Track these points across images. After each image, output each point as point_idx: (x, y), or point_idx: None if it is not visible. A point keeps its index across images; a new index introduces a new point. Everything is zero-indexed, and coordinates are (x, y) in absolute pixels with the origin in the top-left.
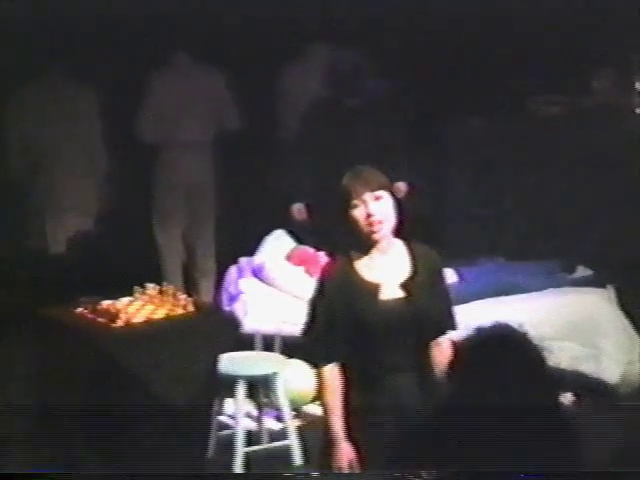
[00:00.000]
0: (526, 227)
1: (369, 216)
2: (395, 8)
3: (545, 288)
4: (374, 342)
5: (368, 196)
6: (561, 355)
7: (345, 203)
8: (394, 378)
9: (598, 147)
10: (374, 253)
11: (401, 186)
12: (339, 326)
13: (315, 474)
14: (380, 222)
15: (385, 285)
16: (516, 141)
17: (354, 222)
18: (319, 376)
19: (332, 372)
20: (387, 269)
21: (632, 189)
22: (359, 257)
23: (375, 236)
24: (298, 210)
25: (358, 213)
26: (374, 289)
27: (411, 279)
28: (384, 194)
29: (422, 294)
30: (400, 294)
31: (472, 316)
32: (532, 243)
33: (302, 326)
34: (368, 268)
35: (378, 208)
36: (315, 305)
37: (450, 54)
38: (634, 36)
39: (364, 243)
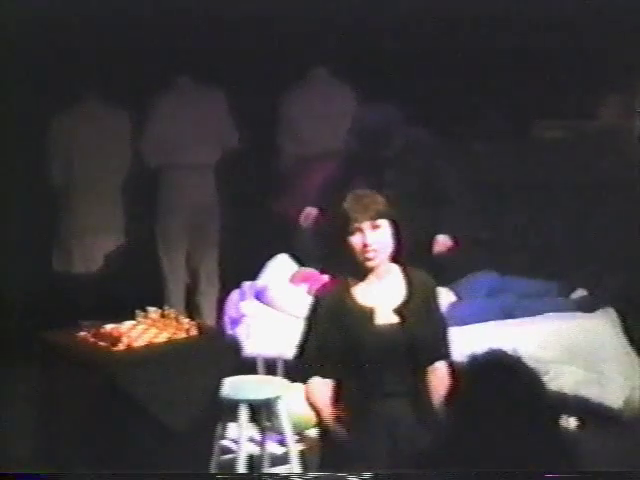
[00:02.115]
0: (528, 249)
1: (365, 245)
2: (396, 32)
3: (547, 311)
4: (368, 367)
5: (366, 225)
6: (564, 379)
7: (343, 228)
8: (388, 403)
9: (600, 171)
10: (370, 278)
11: (442, 240)
12: (331, 349)
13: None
14: (376, 251)
15: (380, 310)
16: (519, 165)
17: (350, 248)
18: (306, 388)
19: (319, 383)
20: (382, 294)
21: (634, 212)
22: (355, 281)
23: (369, 264)
24: (306, 214)
25: (355, 240)
26: (369, 313)
27: (406, 304)
28: (383, 222)
29: (417, 320)
30: (395, 319)
31: (473, 340)
32: (533, 265)
33: (295, 347)
34: (364, 292)
35: (375, 237)
36: (309, 327)
37: (454, 78)
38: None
39: (360, 268)
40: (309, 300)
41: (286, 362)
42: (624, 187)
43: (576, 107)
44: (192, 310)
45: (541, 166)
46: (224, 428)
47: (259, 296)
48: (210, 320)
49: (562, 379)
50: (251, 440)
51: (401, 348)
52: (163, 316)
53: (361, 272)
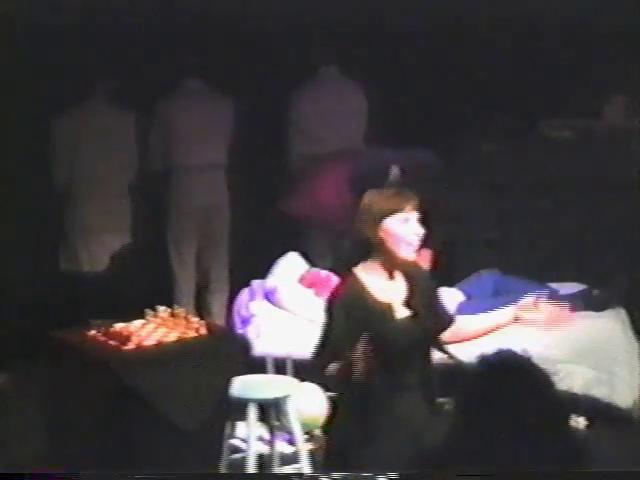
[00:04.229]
0: (538, 250)
1: (415, 234)
2: (406, 31)
3: None
4: (390, 361)
5: (413, 214)
6: (574, 379)
7: (383, 214)
8: (407, 397)
9: (610, 170)
10: (383, 273)
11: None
12: (350, 347)
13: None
14: (418, 241)
15: (396, 304)
16: (528, 164)
17: (386, 236)
18: None
19: None
20: (392, 288)
21: None
22: (369, 278)
23: (409, 253)
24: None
25: (401, 228)
26: (388, 309)
27: (411, 297)
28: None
29: (424, 311)
30: (407, 312)
31: (482, 340)
32: (544, 266)
33: (314, 349)
34: (378, 288)
35: (421, 230)
36: (327, 328)
37: (463, 78)
38: None
39: (389, 259)
40: (320, 303)
41: (295, 362)
42: (634, 186)
43: (585, 106)
44: (202, 309)
45: (550, 165)
46: (233, 427)
47: (268, 296)
48: (220, 319)
49: (572, 379)
50: (260, 439)
51: (419, 340)
52: (173, 315)
53: (388, 263)
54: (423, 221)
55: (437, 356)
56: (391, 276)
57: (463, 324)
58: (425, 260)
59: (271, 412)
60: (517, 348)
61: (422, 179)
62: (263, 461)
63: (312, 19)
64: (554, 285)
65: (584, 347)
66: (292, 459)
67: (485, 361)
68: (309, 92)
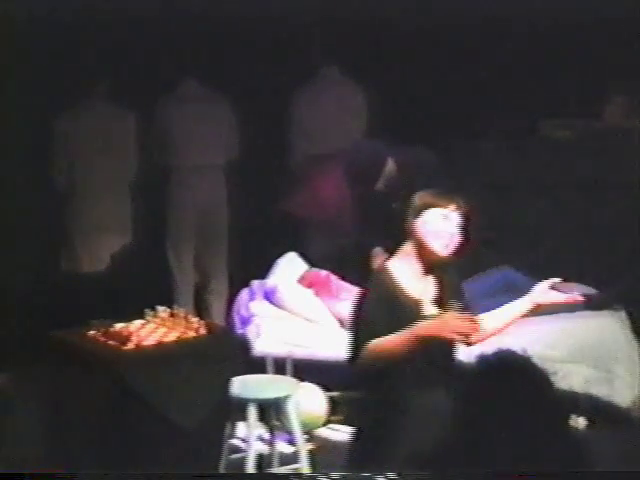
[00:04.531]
0: (537, 249)
1: (452, 231)
2: (407, 36)
3: (558, 311)
4: (419, 358)
5: (454, 213)
6: (574, 378)
7: (422, 209)
8: (432, 395)
9: (612, 170)
10: (415, 269)
11: None
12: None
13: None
14: (454, 242)
15: (425, 301)
16: (529, 164)
17: (422, 228)
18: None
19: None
20: (423, 286)
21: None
22: (401, 272)
23: (446, 251)
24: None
25: (439, 224)
26: (417, 305)
27: (441, 295)
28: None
29: (452, 310)
30: (434, 310)
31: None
32: (543, 265)
33: (346, 347)
34: (409, 284)
35: (458, 229)
36: (358, 320)
37: (463, 78)
38: None
39: (425, 254)
40: (321, 304)
41: (295, 361)
42: (634, 186)
43: (585, 106)
44: (201, 309)
45: (550, 166)
46: (233, 427)
47: (268, 296)
48: (219, 319)
49: (572, 378)
50: (260, 439)
51: (443, 339)
52: (172, 315)
53: (421, 257)
54: (463, 226)
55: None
56: (423, 272)
57: (485, 322)
58: None
59: (271, 412)
60: (517, 348)
61: (419, 175)
62: (263, 461)
63: (312, 19)
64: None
65: (584, 346)
66: (292, 459)
67: (485, 361)
68: (309, 92)
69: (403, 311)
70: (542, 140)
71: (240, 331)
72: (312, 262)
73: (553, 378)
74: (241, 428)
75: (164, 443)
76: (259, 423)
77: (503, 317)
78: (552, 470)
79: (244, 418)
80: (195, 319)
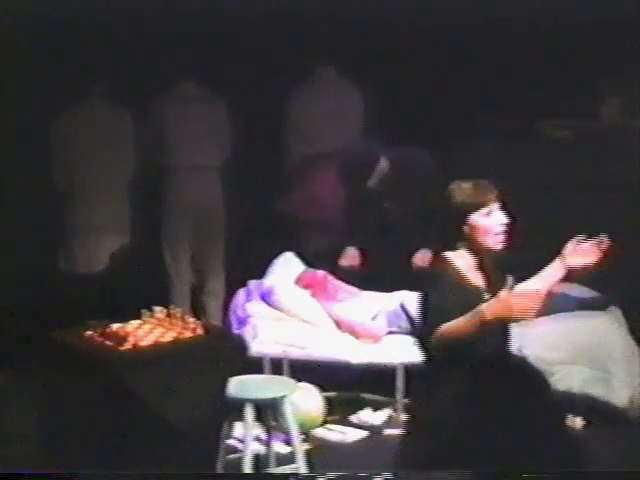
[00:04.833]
0: (536, 249)
1: (500, 224)
2: (404, 36)
3: (554, 311)
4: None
5: (497, 207)
6: (571, 379)
7: (467, 209)
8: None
9: (607, 171)
10: (471, 260)
11: (422, 254)
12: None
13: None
14: (505, 232)
15: (484, 289)
16: (527, 164)
17: (475, 229)
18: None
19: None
20: (479, 275)
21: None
22: (460, 263)
23: (498, 244)
24: (351, 256)
25: (487, 221)
26: (478, 292)
27: (494, 283)
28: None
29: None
30: (488, 297)
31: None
32: (540, 266)
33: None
34: (469, 273)
35: (505, 218)
36: (426, 311)
37: (460, 78)
38: None
39: (479, 248)
40: (317, 306)
41: (292, 362)
42: (631, 187)
43: (584, 107)
44: (198, 310)
45: (551, 165)
46: (230, 427)
47: (265, 297)
48: (216, 320)
49: (569, 379)
50: (257, 439)
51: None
52: (169, 315)
53: (479, 252)
54: (505, 209)
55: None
56: (477, 264)
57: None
58: (426, 261)
59: (268, 412)
60: (513, 349)
61: (413, 174)
62: (259, 461)
63: (309, 19)
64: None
65: (581, 347)
66: (289, 459)
67: (482, 362)
68: (306, 92)
69: (467, 298)
70: (541, 140)
71: (237, 331)
72: (309, 262)
73: (551, 380)
74: (238, 428)
75: (161, 443)
76: (256, 423)
77: (539, 286)
78: (551, 470)
79: (241, 418)
80: (192, 319)
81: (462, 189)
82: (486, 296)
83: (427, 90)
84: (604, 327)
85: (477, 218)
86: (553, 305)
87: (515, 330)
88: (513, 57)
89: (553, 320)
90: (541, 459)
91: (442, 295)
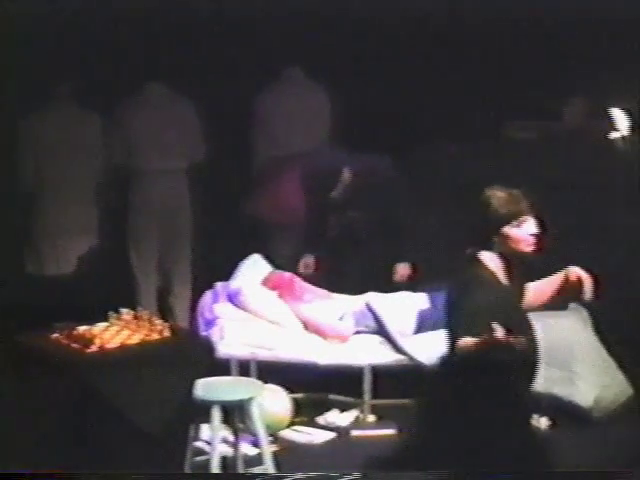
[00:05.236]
0: None
1: (533, 235)
2: (372, 37)
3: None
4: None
5: (530, 217)
6: (537, 379)
7: (501, 219)
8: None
9: (572, 171)
10: (500, 264)
11: (402, 268)
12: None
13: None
14: (536, 240)
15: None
16: (492, 166)
17: (507, 237)
18: None
19: None
20: (509, 276)
21: (603, 211)
22: (493, 264)
23: (530, 251)
24: (305, 264)
25: (519, 231)
26: (512, 293)
27: (523, 284)
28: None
29: None
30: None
31: (443, 343)
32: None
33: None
34: (501, 274)
35: (536, 227)
36: (463, 307)
37: (428, 79)
38: (606, 63)
39: (513, 255)
40: (285, 307)
41: (259, 363)
42: (596, 186)
43: (548, 108)
44: (165, 312)
45: (516, 166)
46: (197, 430)
47: (232, 298)
48: (183, 322)
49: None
50: (224, 441)
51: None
52: (136, 318)
53: (510, 256)
54: (537, 219)
55: (396, 358)
56: (507, 267)
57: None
58: (405, 274)
59: (235, 414)
60: None
61: (375, 185)
62: (227, 463)
63: (276, 19)
64: None
65: (546, 346)
66: (256, 461)
67: (445, 361)
68: (273, 94)
69: (501, 298)
70: (506, 141)
71: (204, 333)
72: (276, 265)
73: (517, 380)
74: (205, 430)
75: (128, 446)
76: (223, 425)
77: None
78: (518, 469)
79: (208, 420)
80: (159, 321)
81: (497, 198)
82: (512, 297)
83: (395, 92)
84: (569, 327)
85: (509, 228)
86: None
87: None
88: (479, 59)
89: None
90: (507, 459)
91: (477, 295)
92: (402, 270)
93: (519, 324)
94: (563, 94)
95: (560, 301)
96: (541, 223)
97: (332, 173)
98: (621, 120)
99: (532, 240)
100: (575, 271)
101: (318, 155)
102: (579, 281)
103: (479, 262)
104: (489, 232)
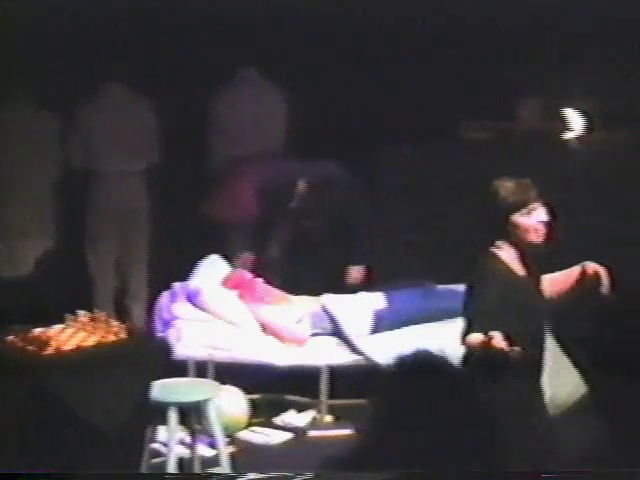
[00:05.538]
0: (456, 252)
1: (541, 223)
2: (325, 37)
3: None
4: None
5: (538, 205)
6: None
7: (510, 207)
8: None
9: (525, 172)
10: (515, 254)
11: (355, 272)
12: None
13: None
14: (546, 229)
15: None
16: (447, 167)
17: (516, 226)
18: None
19: None
20: (523, 268)
21: (557, 212)
22: (506, 256)
23: (539, 240)
24: (243, 260)
25: (527, 220)
26: (527, 284)
27: (537, 275)
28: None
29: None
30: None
31: (401, 343)
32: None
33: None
34: (515, 265)
35: (545, 216)
36: (478, 302)
37: (382, 79)
38: (560, 63)
39: (521, 245)
40: (244, 307)
41: (217, 364)
42: (553, 187)
43: (503, 108)
44: (122, 313)
45: (469, 167)
46: (154, 431)
47: (191, 298)
48: (141, 323)
49: None
50: (181, 443)
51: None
52: (93, 319)
53: (521, 246)
54: (546, 207)
55: (352, 358)
56: (520, 258)
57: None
58: (359, 276)
59: (192, 416)
60: (434, 349)
61: (331, 194)
62: (184, 465)
63: (232, 19)
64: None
65: None
66: (213, 462)
67: (401, 361)
68: (228, 94)
69: (517, 290)
70: (461, 142)
71: (161, 334)
72: (233, 265)
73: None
74: (162, 432)
75: (85, 447)
76: (180, 427)
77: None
78: (472, 469)
79: (165, 422)
80: (115, 323)
81: (505, 187)
82: (530, 286)
83: (350, 93)
84: None
85: (517, 217)
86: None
87: (436, 329)
88: (434, 60)
89: None
90: (462, 458)
91: (493, 288)
92: (355, 273)
93: (534, 318)
94: (518, 95)
95: (576, 295)
96: (551, 212)
97: (287, 186)
98: (575, 120)
99: (542, 228)
100: (592, 266)
101: (273, 167)
102: (596, 275)
103: (493, 255)
104: (500, 222)
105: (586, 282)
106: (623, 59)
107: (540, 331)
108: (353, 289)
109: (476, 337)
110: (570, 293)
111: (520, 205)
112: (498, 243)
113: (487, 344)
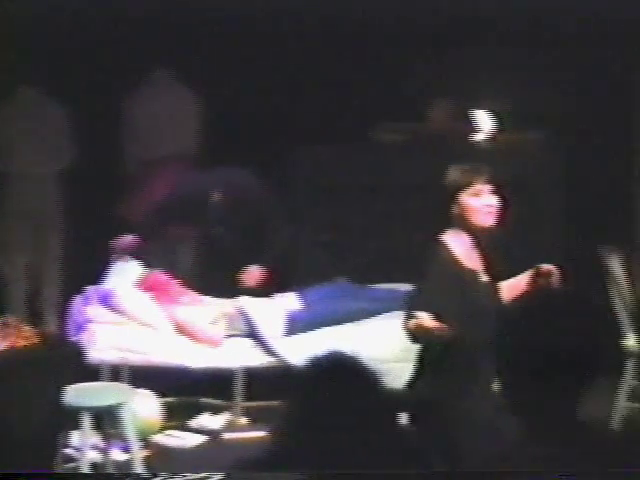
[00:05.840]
0: (372, 252)
1: (488, 206)
2: (240, 34)
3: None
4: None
5: (486, 188)
6: (401, 376)
7: (459, 190)
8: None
9: (435, 174)
10: (466, 241)
11: (255, 271)
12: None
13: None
14: (495, 212)
15: (479, 271)
16: (359, 168)
17: (464, 209)
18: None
19: None
20: (474, 256)
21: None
22: (454, 245)
23: (488, 223)
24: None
25: (475, 202)
26: (473, 275)
27: (489, 264)
28: (493, 188)
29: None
30: (486, 278)
31: (315, 344)
32: (378, 268)
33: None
34: (463, 255)
35: (494, 200)
36: (422, 290)
37: (294, 80)
38: (470, 66)
39: (472, 229)
40: (160, 309)
41: (131, 368)
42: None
43: (414, 110)
44: (34, 317)
45: (380, 168)
46: (67, 436)
47: (105, 301)
48: (53, 327)
49: (402, 377)
50: (95, 448)
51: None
52: (4, 325)
53: (468, 232)
54: (496, 192)
55: (267, 360)
56: (472, 244)
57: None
58: (255, 279)
59: (105, 420)
60: (347, 349)
61: (245, 201)
62: (97, 470)
63: (148, 21)
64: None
65: (410, 345)
66: (127, 466)
67: (315, 362)
68: (142, 96)
69: (462, 281)
70: (373, 143)
71: (74, 338)
72: (149, 265)
73: (385, 378)
74: (75, 437)
75: None
76: (93, 431)
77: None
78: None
79: (78, 427)
80: (27, 327)
81: (454, 170)
82: (483, 278)
83: (266, 95)
84: None
85: (466, 198)
86: (392, 306)
87: (351, 330)
88: (345, 62)
89: (385, 318)
90: (380, 459)
91: (435, 280)
92: (252, 274)
93: (479, 311)
94: (430, 96)
95: (533, 295)
96: (502, 196)
97: (200, 197)
98: (484, 121)
99: (490, 211)
100: (544, 265)
101: (187, 178)
102: (548, 273)
103: (440, 245)
104: (448, 204)
105: (540, 280)
106: (534, 59)
107: (483, 320)
108: (254, 292)
109: (411, 322)
110: (528, 294)
111: (469, 184)
112: (451, 230)
113: (420, 327)
